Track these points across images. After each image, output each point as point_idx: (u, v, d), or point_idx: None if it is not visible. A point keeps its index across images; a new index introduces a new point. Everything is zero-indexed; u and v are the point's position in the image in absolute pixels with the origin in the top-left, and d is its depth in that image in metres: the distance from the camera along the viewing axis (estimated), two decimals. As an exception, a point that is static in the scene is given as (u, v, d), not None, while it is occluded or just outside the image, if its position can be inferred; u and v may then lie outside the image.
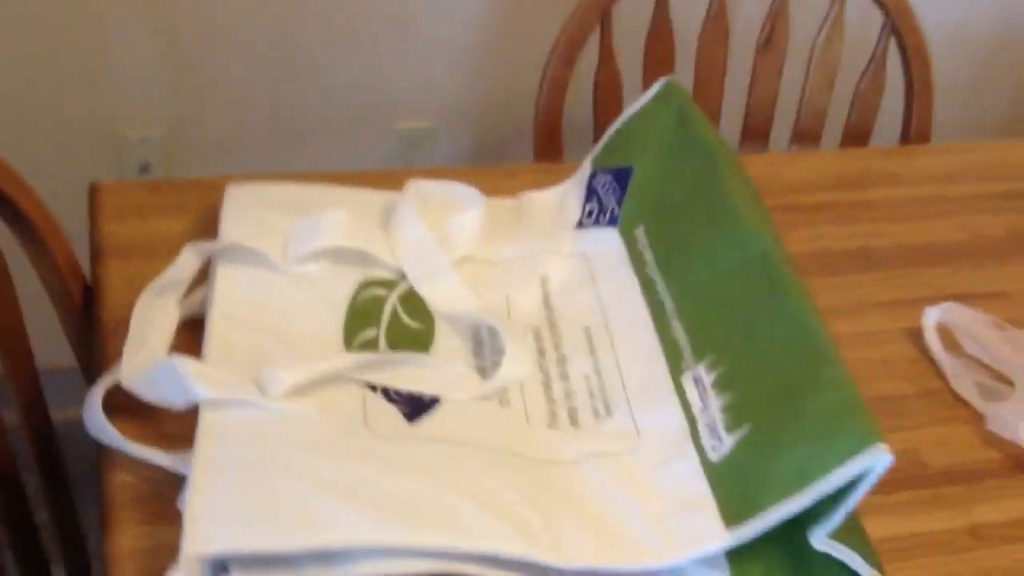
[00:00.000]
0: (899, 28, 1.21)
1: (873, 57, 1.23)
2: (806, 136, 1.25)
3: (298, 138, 1.53)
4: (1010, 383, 0.86)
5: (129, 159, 1.49)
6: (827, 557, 0.67)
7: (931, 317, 0.90)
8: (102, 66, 1.41)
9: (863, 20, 1.27)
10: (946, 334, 0.90)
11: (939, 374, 0.88)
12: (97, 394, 0.72)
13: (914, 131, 1.24)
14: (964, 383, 0.86)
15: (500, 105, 1.57)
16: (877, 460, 0.62)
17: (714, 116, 1.22)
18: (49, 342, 0.95)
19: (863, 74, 1.24)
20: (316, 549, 0.62)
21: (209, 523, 0.62)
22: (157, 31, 1.41)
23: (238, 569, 0.62)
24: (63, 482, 0.90)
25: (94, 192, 0.94)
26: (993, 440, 0.82)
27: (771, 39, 1.20)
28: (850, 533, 0.68)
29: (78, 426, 0.72)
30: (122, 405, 0.73)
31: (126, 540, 0.66)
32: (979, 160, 1.17)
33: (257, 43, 1.45)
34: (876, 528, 0.74)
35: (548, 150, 1.16)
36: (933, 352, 0.89)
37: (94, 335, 0.81)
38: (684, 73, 1.21)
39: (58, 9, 1.35)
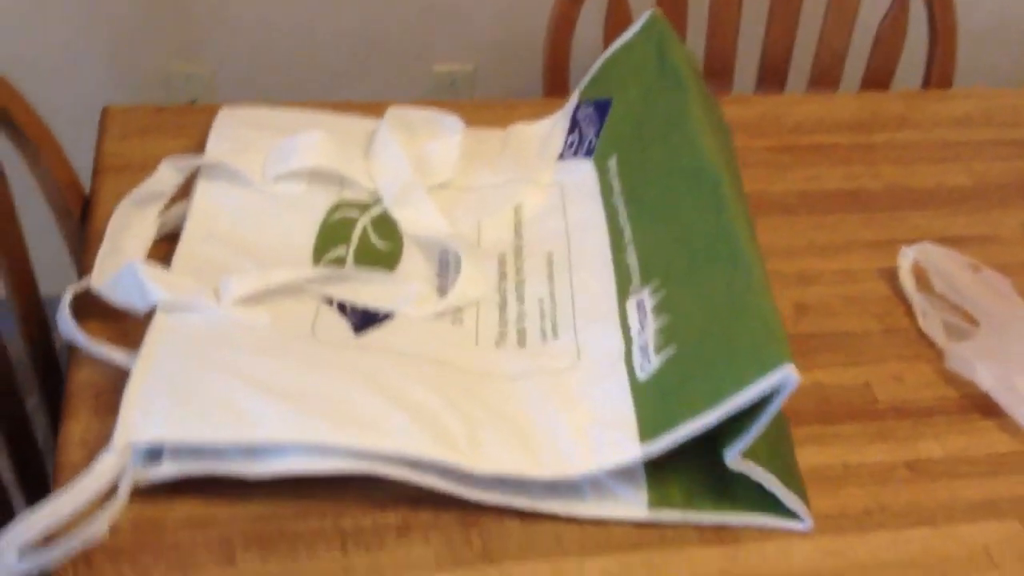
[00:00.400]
0: (922, -31, 1.18)
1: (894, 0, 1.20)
2: (823, 81, 1.24)
3: (339, 78, 1.56)
4: (976, 324, 0.85)
5: (177, 95, 1.55)
6: (748, 483, 0.69)
7: (907, 256, 0.90)
8: (153, 3, 1.46)
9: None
10: (922, 275, 0.90)
11: (909, 314, 0.88)
12: (68, 296, 0.77)
13: (935, 77, 1.22)
14: (931, 322, 0.85)
15: (539, 48, 1.58)
16: (785, 380, 0.63)
17: (727, 57, 1.22)
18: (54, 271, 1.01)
19: (884, 17, 1.22)
20: (243, 443, 0.66)
21: (143, 413, 0.66)
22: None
23: (170, 458, 0.66)
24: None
25: (105, 114, 0.99)
26: (952, 379, 0.82)
27: (789, -21, 1.19)
28: (773, 457, 0.70)
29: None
30: (96, 309, 0.77)
31: (78, 429, 0.70)
32: (997, 107, 1.14)
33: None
34: (812, 456, 0.75)
35: (555, 86, 1.17)
36: (906, 291, 0.88)
37: (84, 246, 0.86)
38: (698, 12, 1.21)
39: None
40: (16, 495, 0.91)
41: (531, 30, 1.58)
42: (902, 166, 1.05)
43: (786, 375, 0.63)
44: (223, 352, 0.70)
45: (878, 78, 1.24)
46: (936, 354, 0.84)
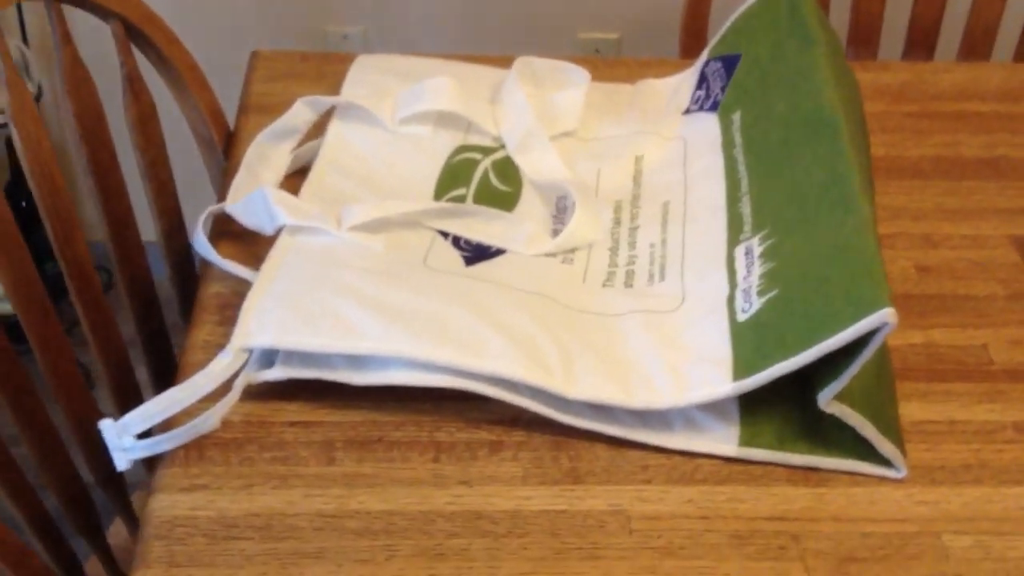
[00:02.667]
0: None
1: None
2: (974, 53, 1.20)
3: (486, 42, 1.60)
4: (1108, 293, 0.82)
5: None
6: (845, 429, 0.68)
7: (1039, 223, 0.87)
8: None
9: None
10: (1054, 243, 0.87)
11: (1038, 281, 0.85)
12: (205, 216, 0.82)
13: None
14: (1058, 289, 0.83)
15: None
16: (882, 323, 0.63)
17: (875, 25, 1.19)
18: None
19: (1043, -13, 1.17)
20: (348, 353, 0.69)
21: (259, 320, 0.70)
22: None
23: (282, 362, 0.70)
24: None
25: (253, 58, 1.05)
26: (1074, 347, 0.79)
27: (941, -54, 1.16)
28: (871, 405, 0.69)
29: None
30: (228, 231, 0.83)
31: (202, 335, 0.75)
32: None
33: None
34: (916, 411, 0.74)
35: (691, 50, 1.17)
36: (1034, 258, 0.86)
37: (225, 176, 0.91)
38: (845, -20, 1.19)
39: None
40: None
41: (674, 3, 1.58)
42: (1048, 137, 1.01)
43: (882, 318, 0.63)
44: (338, 271, 0.74)
45: (1033, 51, 1.20)
46: (1061, 323, 0.82)
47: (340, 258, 0.76)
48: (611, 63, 1.07)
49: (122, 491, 0.95)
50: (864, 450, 0.69)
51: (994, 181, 0.96)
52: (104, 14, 0.85)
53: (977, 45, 1.20)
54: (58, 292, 0.91)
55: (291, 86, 1.01)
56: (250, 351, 0.70)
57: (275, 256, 0.76)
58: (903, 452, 0.69)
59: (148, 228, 0.95)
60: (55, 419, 0.85)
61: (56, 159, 0.81)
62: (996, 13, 1.18)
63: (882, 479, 0.69)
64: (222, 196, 0.93)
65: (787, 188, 0.78)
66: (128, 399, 0.94)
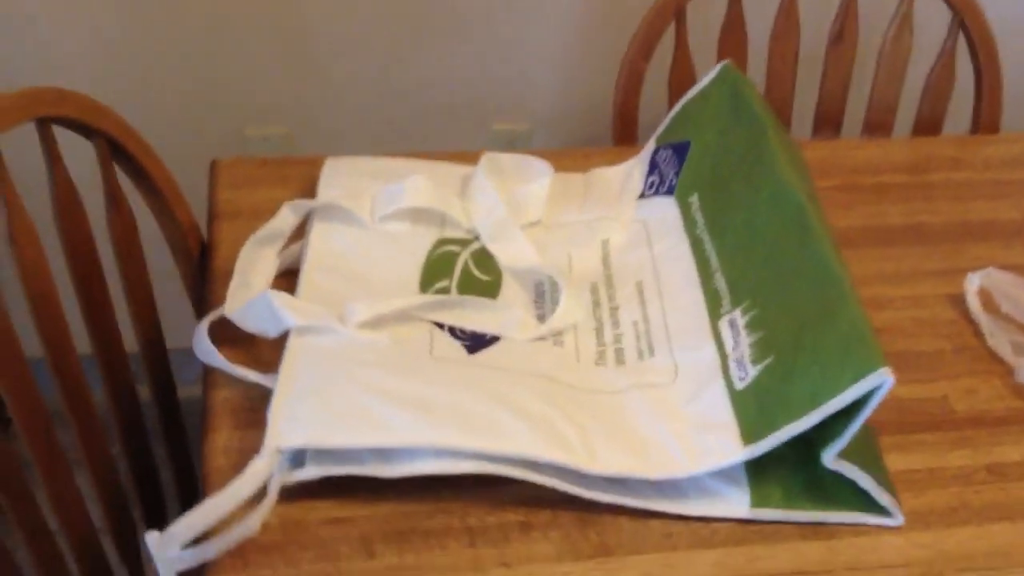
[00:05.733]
0: (967, 24, 1.25)
1: (942, 52, 1.28)
2: (877, 128, 1.31)
3: (401, 137, 1.65)
4: (1043, 341, 0.90)
5: (254, 155, 1.63)
6: (844, 484, 0.74)
7: (973, 281, 0.95)
8: (228, 68, 1.55)
9: (931, 15, 1.32)
10: (987, 298, 0.95)
11: (978, 335, 0.93)
12: (205, 324, 0.83)
13: (983, 123, 1.28)
14: (999, 340, 0.91)
15: (596, 109, 1.66)
16: (881, 382, 0.69)
17: (786, 107, 1.29)
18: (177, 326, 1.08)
19: (933, 68, 1.29)
20: (377, 447, 0.72)
21: (288, 422, 0.72)
22: (277, 35, 1.55)
23: (313, 460, 0.72)
24: (183, 443, 1.03)
25: (214, 167, 1.07)
26: (1022, 392, 0.87)
27: (842, 33, 1.26)
28: (865, 460, 0.75)
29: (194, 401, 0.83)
30: (225, 336, 0.84)
31: (220, 440, 0.77)
32: (1044, 148, 1.21)
33: (365, 45, 1.57)
34: (897, 462, 0.80)
35: (624, 136, 1.24)
36: (973, 313, 0.94)
37: (207, 283, 0.93)
38: (757, 66, 1.29)
39: (192, 10, 1.50)
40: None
41: (585, 92, 1.66)
42: (959, 203, 1.11)
43: (882, 378, 0.69)
44: (354, 368, 0.77)
45: (928, 125, 1.31)
46: (1006, 370, 0.90)
47: (352, 355, 0.78)
48: (554, 153, 1.13)
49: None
50: (864, 502, 0.75)
51: (920, 246, 1.05)
52: (87, 132, 0.86)
53: (879, 122, 1.31)
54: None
55: (255, 191, 1.03)
56: (282, 452, 0.72)
57: (289, 358, 0.78)
58: (898, 500, 0.75)
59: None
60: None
61: (53, 284, 0.82)
62: (895, 92, 1.29)
63: (881, 528, 0.75)
64: (199, 301, 0.95)
65: (760, 264, 0.84)
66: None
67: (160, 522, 1.00)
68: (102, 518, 0.93)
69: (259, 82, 1.58)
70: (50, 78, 1.51)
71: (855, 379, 0.69)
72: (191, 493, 1.04)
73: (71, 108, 0.82)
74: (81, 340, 0.86)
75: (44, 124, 0.81)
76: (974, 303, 0.94)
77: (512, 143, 1.68)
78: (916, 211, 1.10)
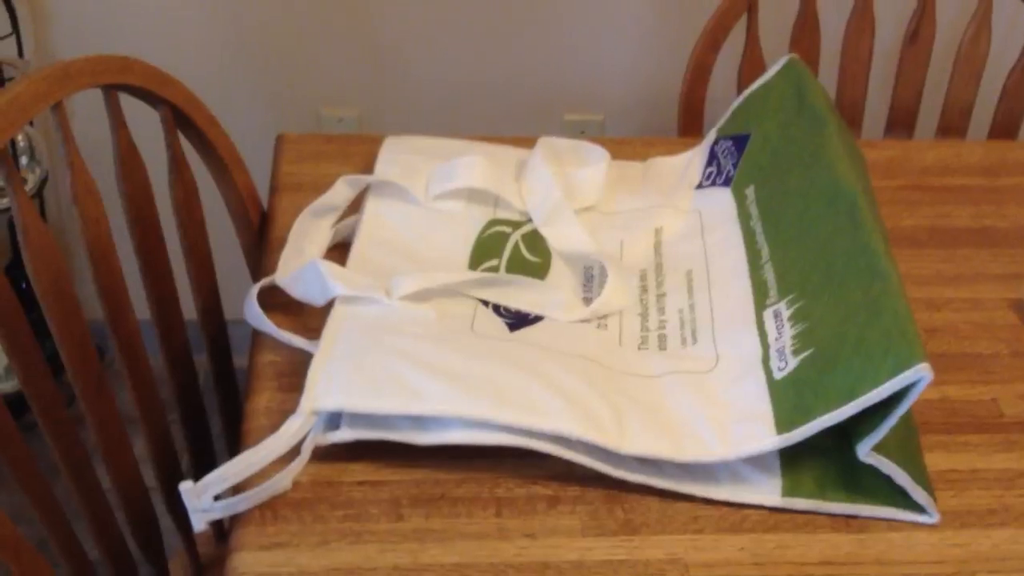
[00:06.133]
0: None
1: (1022, 55, 1.25)
2: (951, 131, 1.28)
3: (472, 126, 1.66)
4: (1103, 349, 0.88)
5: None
6: (879, 478, 0.73)
7: (1034, 286, 0.93)
8: (308, 54, 1.59)
9: (1011, 16, 1.29)
10: (1048, 304, 0.93)
11: (1036, 340, 0.91)
12: (256, 289, 0.86)
13: (1062, 128, 1.25)
14: (1057, 347, 0.89)
15: (667, 101, 1.66)
16: (919, 377, 0.68)
17: (858, 106, 1.27)
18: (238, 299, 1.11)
19: (1012, 70, 1.26)
20: (410, 415, 0.73)
21: (326, 384, 0.74)
22: (355, 20, 1.57)
23: (348, 424, 0.73)
24: (238, 416, 1.05)
25: (280, 140, 1.10)
26: (1077, 400, 0.85)
27: (918, 33, 1.24)
28: (903, 456, 0.74)
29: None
30: (276, 302, 0.86)
31: (263, 401, 0.79)
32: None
33: (440, 34, 1.59)
34: (940, 461, 0.79)
35: (689, 127, 1.24)
36: (1032, 319, 0.92)
37: (264, 254, 0.95)
38: (830, 64, 1.27)
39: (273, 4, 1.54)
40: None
41: (658, 83, 1.66)
42: (1029, 208, 1.09)
43: (920, 372, 0.68)
44: (394, 338, 0.78)
45: (1004, 129, 1.28)
46: (1062, 378, 0.87)
47: (394, 325, 0.80)
48: (616, 141, 1.13)
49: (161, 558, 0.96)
50: (899, 498, 0.73)
51: (986, 249, 1.03)
52: (153, 100, 0.89)
53: (954, 124, 1.28)
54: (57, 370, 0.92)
55: (318, 166, 1.05)
56: (317, 414, 0.73)
57: (333, 325, 0.79)
58: (934, 499, 0.74)
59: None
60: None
61: (112, 242, 0.84)
62: (971, 94, 1.26)
63: (916, 524, 0.74)
64: (257, 271, 0.97)
65: (810, 256, 0.84)
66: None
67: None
68: (154, 479, 0.96)
69: (337, 65, 1.61)
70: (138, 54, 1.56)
71: (893, 373, 0.69)
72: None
73: (136, 76, 0.85)
74: (140, 308, 0.89)
75: (109, 91, 0.84)
76: (1034, 308, 0.92)
77: (583, 133, 1.68)
78: (984, 214, 1.08)
